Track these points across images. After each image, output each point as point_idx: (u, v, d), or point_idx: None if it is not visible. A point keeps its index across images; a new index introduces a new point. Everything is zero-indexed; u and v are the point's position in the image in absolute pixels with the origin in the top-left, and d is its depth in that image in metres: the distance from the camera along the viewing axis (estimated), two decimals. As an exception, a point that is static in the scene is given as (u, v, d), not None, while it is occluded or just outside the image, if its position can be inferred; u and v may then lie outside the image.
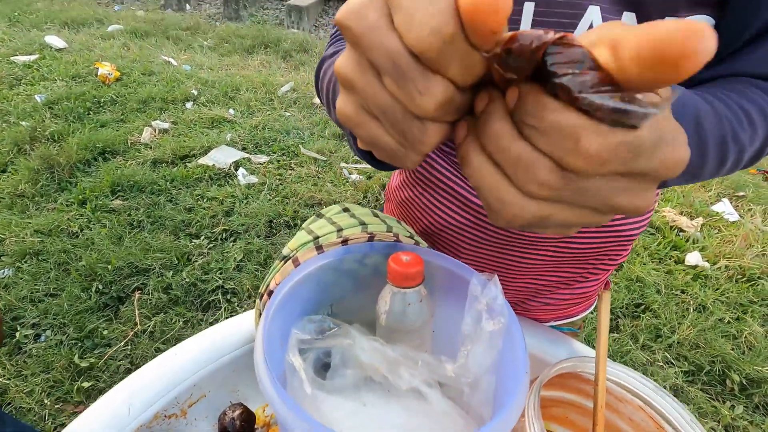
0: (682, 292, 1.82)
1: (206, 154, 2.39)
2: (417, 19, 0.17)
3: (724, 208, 2.29)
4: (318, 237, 0.45)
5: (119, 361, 1.40)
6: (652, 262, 1.96)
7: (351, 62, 0.20)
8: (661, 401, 0.43)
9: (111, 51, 3.50)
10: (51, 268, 1.66)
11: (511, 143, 0.18)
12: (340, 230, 0.45)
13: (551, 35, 0.16)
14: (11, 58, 3.17)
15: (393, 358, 0.37)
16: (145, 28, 4.06)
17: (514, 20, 0.41)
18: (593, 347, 0.50)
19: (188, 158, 2.37)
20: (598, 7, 0.38)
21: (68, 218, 1.90)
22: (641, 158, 0.18)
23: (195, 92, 3.01)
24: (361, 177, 2.34)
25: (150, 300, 1.60)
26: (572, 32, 0.38)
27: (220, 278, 1.70)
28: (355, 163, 2.46)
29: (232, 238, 1.91)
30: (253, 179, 2.25)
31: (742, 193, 2.43)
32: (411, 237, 0.47)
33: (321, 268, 0.42)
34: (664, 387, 1.44)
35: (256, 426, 0.48)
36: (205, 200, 2.08)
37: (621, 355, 1.55)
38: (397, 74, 0.18)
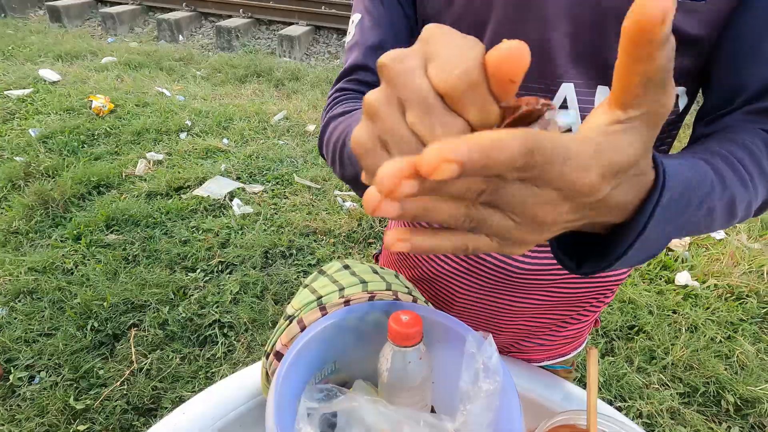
0: (674, 312, 1.85)
1: (201, 185, 2.42)
2: (449, 65, 0.20)
3: (710, 226, 2.35)
4: (321, 297, 0.47)
5: (115, 401, 1.39)
6: (644, 283, 2.00)
7: (381, 95, 0.22)
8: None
9: (105, 83, 3.55)
10: (45, 307, 1.65)
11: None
12: (342, 289, 0.47)
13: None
14: (5, 93, 3.20)
15: (396, 419, 0.39)
16: (138, 59, 4.13)
17: None
18: (584, 385, 0.52)
19: (183, 190, 2.39)
20: (572, 84, 0.42)
21: (63, 254, 1.89)
22: (546, 166, 0.19)
23: (189, 123, 3.05)
24: (355, 204, 2.37)
25: (146, 337, 1.59)
26: None
27: (216, 312, 1.70)
28: (349, 191, 2.50)
29: (228, 270, 1.91)
30: (248, 209, 2.27)
31: (726, 211, 2.49)
32: (409, 293, 0.50)
33: (325, 328, 0.44)
34: (661, 410, 1.46)
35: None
36: (200, 232, 2.09)
37: (617, 379, 1.57)
38: (423, 109, 0.20)
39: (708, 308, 1.87)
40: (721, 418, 1.48)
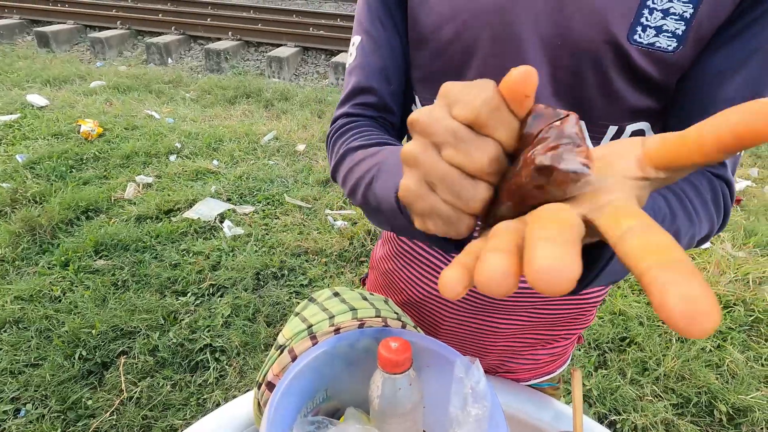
0: (664, 322, 1.87)
1: (191, 207, 2.41)
2: (471, 101, 0.23)
3: (695, 236, 2.40)
4: (312, 325, 0.48)
5: (104, 432, 1.35)
6: (633, 294, 2.02)
7: (416, 145, 0.25)
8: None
9: (93, 107, 3.55)
10: (32, 337, 1.62)
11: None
12: (332, 317, 0.48)
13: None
14: (-8, 119, 3.18)
15: (387, 447, 0.40)
16: (127, 83, 4.14)
17: None
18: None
19: (173, 212, 2.38)
20: None
21: (50, 282, 1.87)
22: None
23: (178, 145, 3.06)
24: (346, 223, 2.38)
25: (136, 364, 1.56)
26: None
27: (207, 336, 1.68)
28: (340, 210, 2.51)
29: (219, 293, 1.90)
30: (239, 231, 2.27)
31: (710, 221, 2.55)
32: (398, 318, 0.51)
33: (316, 357, 0.45)
34: (656, 422, 1.47)
35: None
36: (190, 255, 2.08)
37: (611, 392, 1.57)
38: (456, 141, 0.23)
39: (697, 318, 1.89)
40: (714, 428, 1.49)
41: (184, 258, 2.06)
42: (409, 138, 0.28)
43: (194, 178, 2.71)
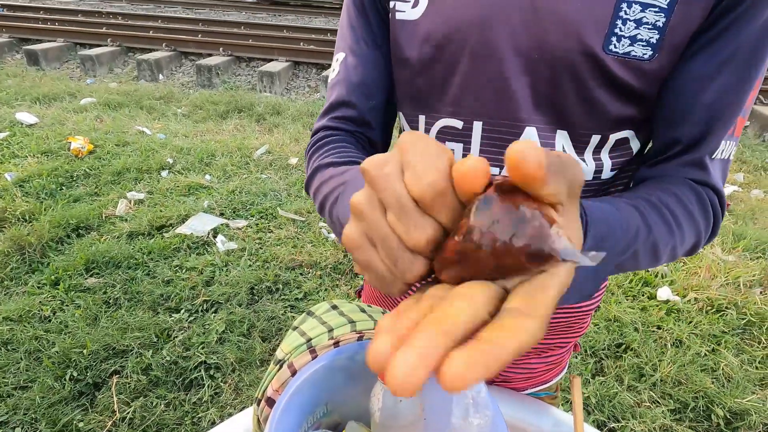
0: (658, 327, 1.89)
1: (183, 222, 2.40)
2: (421, 175, 0.22)
3: (686, 241, 2.43)
4: (311, 339, 0.47)
5: (96, 455, 1.32)
6: (627, 300, 2.04)
7: (364, 198, 0.25)
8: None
9: (84, 124, 3.54)
10: (21, 358, 1.59)
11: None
12: (330, 330, 0.48)
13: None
14: (-20, 138, 3.16)
15: (390, 460, 0.40)
16: (118, 99, 4.14)
17: (466, 136, 0.48)
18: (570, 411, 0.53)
19: (165, 228, 2.36)
20: (534, 128, 0.45)
21: (40, 301, 1.83)
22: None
23: (170, 160, 3.05)
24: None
25: (128, 384, 1.53)
26: None
27: (202, 353, 1.65)
28: (334, 222, 2.51)
29: (213, 309, 1.88)
30: (232, 245, 2.25)
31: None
32: (397, 330, 0.51)
33: (316, 371, 0.45)
34: (654, 428, 1.47)
35: None
36: (184, 271, 2.06)
37: (609, 399, 1.57)
38: (399, 212, 0.23)
39: (690, 322, 1.91)
40: (713, 433, 1.49)
41: (177, 274, 2.04)
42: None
43: (186, 194, 2.70)
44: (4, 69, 4.94)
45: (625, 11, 0.38)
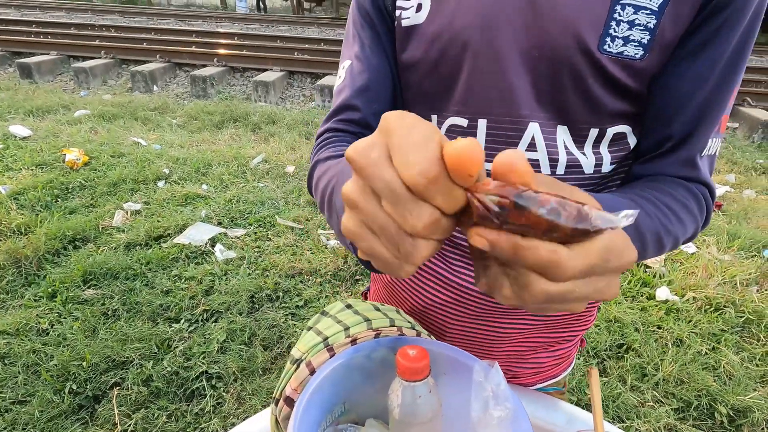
0: (659, 327, 1.90)
1: (181, 232, 2.38)
2: (411, 162, 0.21)
3: (682, 241, 2.46)
4: (327, 338, 0.47)
5: (97, 469, 1.30)
6: (627, 301, 2.05)
7: (356, 187, 0.24)
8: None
9: (78, 136, 3.52)
10: (19, 372, 1.56)
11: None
12: (347, 329, 0.48)
13: (518, 189, 0.21)
14: (-27, 151, 3.13)
15: (412, 455, 0.40)
16: (112, 111, 4.13)
17: (471, 133, 0.49)
18: (582, 406, 0.53)
19: (163, 238, 2.35)
20: (537, 123, 0.46)
21: (37, 314, 1.81)
22: (611, 263, 0.23)
23: (166, 171, 3.04)
24: (339, 243, 2.38)
25: (129, 395, 1.51)
26: (518, 144, 0.47)
27: (203, 363, 1.64)
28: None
29: (213, 319, 1.86)
30: (231, 254, 2.24)
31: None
32: (412, 327, 0.51)
33: (335, 369, 0.45)
34: (659, 428, 1.47)
35: None
36: (182, 281, 2.05)
37: (612, 399, 1.57)
38: (393, 200, 0.22)
39: (690, 321, 1.92)
40: (716, 431, 1.49)
41: (176, 284, 2.02)
42: None
43: (183, 204, 2.69)
44: (-4, 82, 4.91)
45: (619, 13, 0.41)
